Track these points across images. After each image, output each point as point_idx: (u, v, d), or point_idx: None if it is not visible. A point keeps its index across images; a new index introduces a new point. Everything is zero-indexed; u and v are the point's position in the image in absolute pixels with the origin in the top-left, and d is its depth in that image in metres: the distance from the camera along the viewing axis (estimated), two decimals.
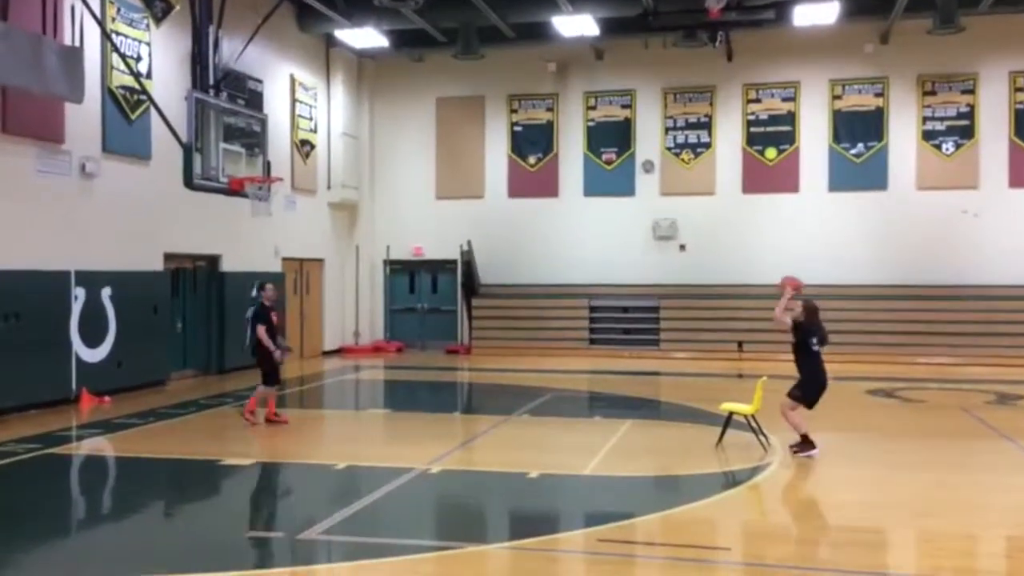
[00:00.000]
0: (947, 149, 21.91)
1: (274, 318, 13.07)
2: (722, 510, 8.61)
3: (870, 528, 8.02)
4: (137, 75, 15.18)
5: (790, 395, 10.58)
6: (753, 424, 11.01)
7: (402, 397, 17.81)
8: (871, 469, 10.25)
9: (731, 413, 11.13)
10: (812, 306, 10.79)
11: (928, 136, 22.00)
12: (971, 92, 21.78)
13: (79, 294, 14.75)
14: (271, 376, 12.98)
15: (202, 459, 10.72)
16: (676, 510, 8.44)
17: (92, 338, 15.01)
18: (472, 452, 11.41)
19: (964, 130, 21.80)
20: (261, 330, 12.73)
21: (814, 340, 10.53)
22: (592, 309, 23.27)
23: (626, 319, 23.15)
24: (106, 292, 15.31)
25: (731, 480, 9.81)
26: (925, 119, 22.00)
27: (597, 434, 12.21)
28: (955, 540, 7.64)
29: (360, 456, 10.97)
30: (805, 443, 10.47)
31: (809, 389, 10.58)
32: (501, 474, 9.98)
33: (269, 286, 13.34)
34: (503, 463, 10.51)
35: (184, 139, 13.07)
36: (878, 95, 22.22)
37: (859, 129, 22.23)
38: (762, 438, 10.91)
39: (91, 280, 14.98)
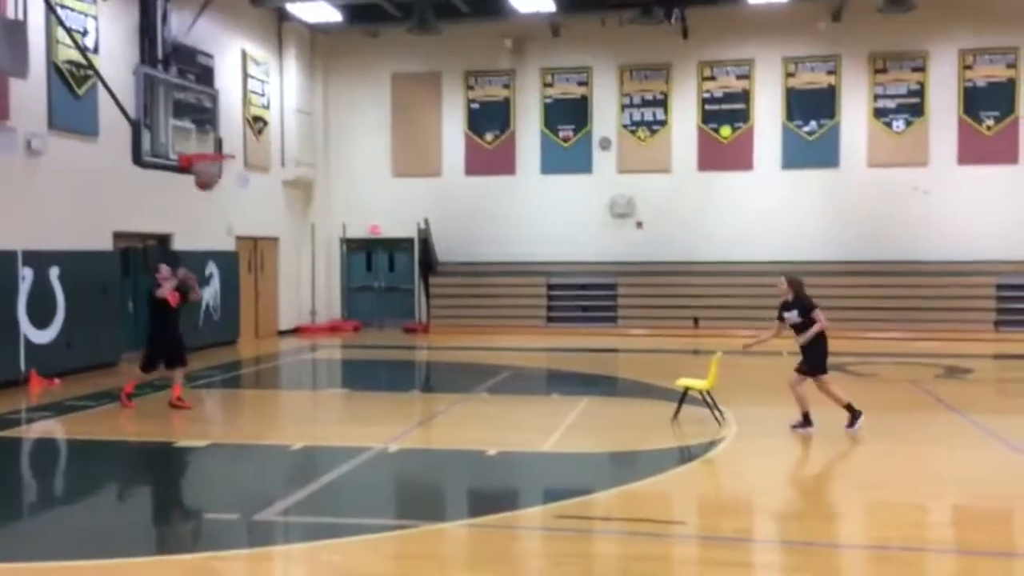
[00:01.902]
0: (898, 127, 22.21)
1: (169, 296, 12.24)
2: (678, 484, 8.72)
3: (822, 500, 8.18)
4: (84, 49, 14.80)
5: (814, 374, 10.72)
6: (708, 399, 11.11)
7: (360, 376, 17.72)
8: (822, 442, 10.39)
9: (687, 389, 11.19)
10: (797, 278, 11.01)
11: (879, 114, 22.29)
12: (921, 70, 22.07)
13: (26, 274, 14.42)
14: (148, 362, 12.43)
15: (156, 441, 10.61)
16: (633, 485, 8.52)
17: (40, 319, 14.71)
18: (430, 431, 11.40)
19: (914, 108, 22.11)
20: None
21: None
22: (550, 287, 23.31)
23: (584, 296, 23.23)
24: (54, 272, 14.99)
25: (687, 455, 9.92)
26: (876, 97, 22.27)
27: (555, 411, 12.26)
28: (904, 511, 7.82)
29: (317, 436, 10.89)
30: (854, 415, 10.68)
31: (824, 359, 10.79)
32: (459, 452, 9.99)
33: (163, 267, 12.69)
34: (461, 441, 10.51)
35: (132, 115, 12.77)
36: (830, 73, 22.44)
37: (812, 107, 22.46)
38: (716, 413, 11.02)
39: (39, 260, 14.66)
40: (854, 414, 10.63)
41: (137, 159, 12.69)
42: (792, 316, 10.71)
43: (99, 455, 10.18)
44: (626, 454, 9.95)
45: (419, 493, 8.78)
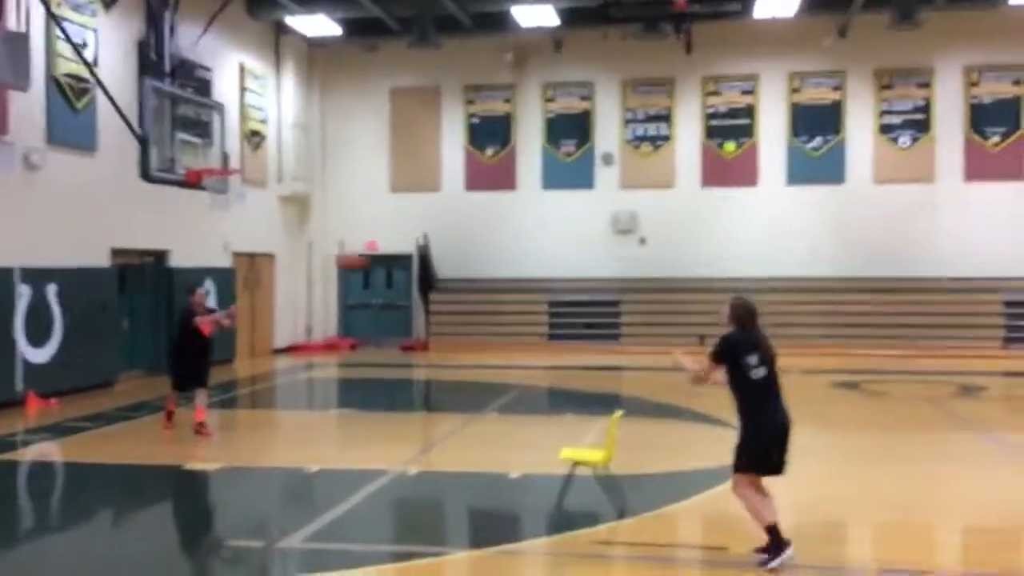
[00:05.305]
0: (904, 143, 22.10)
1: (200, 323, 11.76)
2: (711, 507, 8.41)
3: (862, 523, 7.95)
4: (88, 63, 14.42)
5: (734, 466, 6.83)
6: (601, 474, 8.32)
7: (365, 396, 17.31)
8: (858, 464, 10.15)
9: (575, 464, 8.22)
10: (745, 303, 6.95)
11: (885, 130, 22.17)
12: (927, 86, 21.98)
13: (24, 292, 14.01)
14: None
15: (164, 464, 10.21)
16: (666, 509, 8.28)
17: (38, 338, 14.28)
18: (446, 452, 11.07)
19: (920, 124, 22.01)
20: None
21: (751, 360, 6.70)
22: (551, 304, 22.99)
23: (586, 314, 22.91)
24: (52, 289, 14.58)
25: (716, 477, 9.55)
26: (882, 113, 22.16)
27: (571, 431, 11.91)
28: (947, 534, 7.65)
29: (331, 458, 10.58)
30: (774, 543, 6.57)
31: (753, 445, 6.74)
32: (481, 475, 9.68)
33: (199, 290, 12.37)
34: (480, 463, 10.20)
35: (139, 130, 12.43)
36: (836, 88, 22.32)
37: (817, 122, 22.31)
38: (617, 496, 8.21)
39: (36, 277, 14.25)
40: (777, 544, 6.57)
41: (145, 174, 12.31)
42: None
43: (107, 480, 9.78)
44: (654, 476, 9.64)
45: (448, 518, 8.47)
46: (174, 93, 13.25)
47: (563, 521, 8.11)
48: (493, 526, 8.24)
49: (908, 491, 8.92)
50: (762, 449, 6.70)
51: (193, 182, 13.03)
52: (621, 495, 8.96)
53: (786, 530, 6.61)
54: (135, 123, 13.80)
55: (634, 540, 7.45)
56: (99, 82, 13.52)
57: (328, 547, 7.24)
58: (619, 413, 8.37)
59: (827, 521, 7.94)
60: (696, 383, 7.01)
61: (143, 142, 12.27)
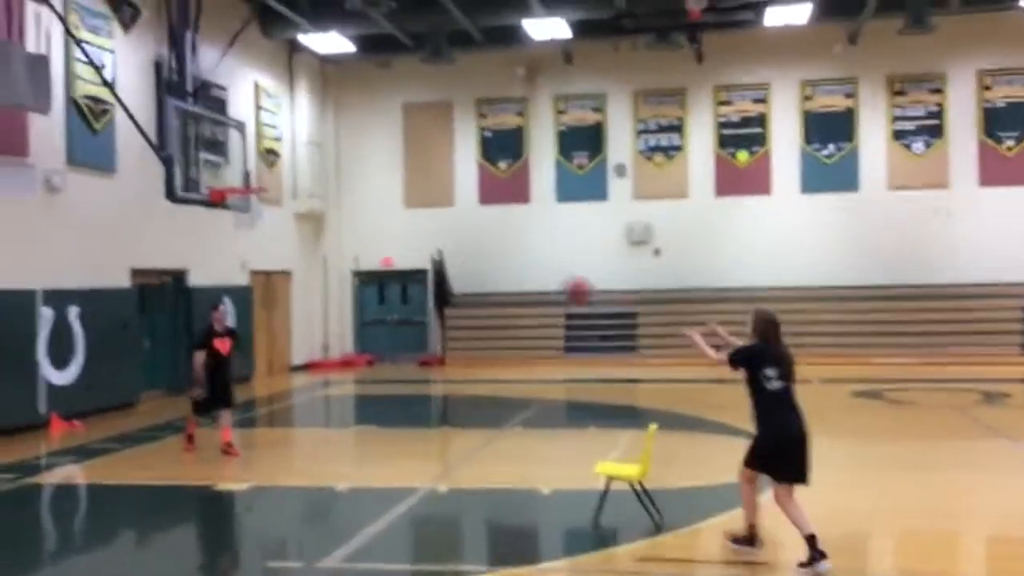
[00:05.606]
0: (917, 149, 22.09)
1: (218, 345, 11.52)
2: (743, 523, 8.34)
3: (903, 534, 7.87)
4: (110, 84, 14.50)
5: (744, 460, 7.19)
6: (638, 491, 8.11)
7: (385, 412, 17.28)
8: (892, 472, 10.08)
9: (610, 479, 8.14)
10: (768, 315, 7.22)
11: (898, 136, 22.17)
12: (940, 91, 21.99)
13: (46, 314, 14.05)
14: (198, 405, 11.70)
15: (194, 485, 10.21)
16: (704, 523, 8.18)
17: (60, 360, 14.31)
18: (475, 469, 11.03)
19: (933, 129, 22.00)
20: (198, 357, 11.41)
21: (770, 372, 6.97)
22: (568, 316, 22.97)
23: (602, 326, 22.87)
24: (74, 311, 14.62)
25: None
26: (895, 119, 22.17)
27: (597, 445, 11.88)
28: (985, 545, 7.49)
29: (359, 477, 10.56)
30: (748, 537, 7.18)
31: (762, 446, 7.05)
32: (512, 491, 9.64)
33: (220, 307, 12.11)
34: (511, 479, 10.15)
35: (162, 150, 12.48)
36: (848, 96, 22.34)
37: (830, 130, 22.33)
38: (652, 509, 8.07)
39: (58, 299, 14.29)
40: (749, 540, 7.18)
41: (171, 194, 12.35)
42: None
43: (137, 501, 9.77)
44: (687, 490, 9.58)
45: (484, 536, 8.44)
46: (197, 113, 13.28)
47: (600, 538, 8.08)
48: (529, 544, 8.22)
49: (935, 500, 8.88)
50: (771, 452, 7.00)
51: (217, 201, 13.07)
52: (656, 510, 8.94)
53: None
54: (155, 143, 13.88)
55: (673, 556, 7.40)
56: (122, 104, 13.59)
57: (369, 567, 7.21)
58: (654, 427, 8.26)
59: (854, 531, 7.89)
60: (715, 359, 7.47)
61: (167, 162, 12.29)
